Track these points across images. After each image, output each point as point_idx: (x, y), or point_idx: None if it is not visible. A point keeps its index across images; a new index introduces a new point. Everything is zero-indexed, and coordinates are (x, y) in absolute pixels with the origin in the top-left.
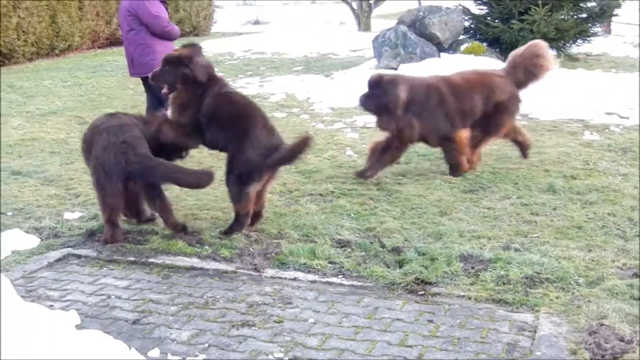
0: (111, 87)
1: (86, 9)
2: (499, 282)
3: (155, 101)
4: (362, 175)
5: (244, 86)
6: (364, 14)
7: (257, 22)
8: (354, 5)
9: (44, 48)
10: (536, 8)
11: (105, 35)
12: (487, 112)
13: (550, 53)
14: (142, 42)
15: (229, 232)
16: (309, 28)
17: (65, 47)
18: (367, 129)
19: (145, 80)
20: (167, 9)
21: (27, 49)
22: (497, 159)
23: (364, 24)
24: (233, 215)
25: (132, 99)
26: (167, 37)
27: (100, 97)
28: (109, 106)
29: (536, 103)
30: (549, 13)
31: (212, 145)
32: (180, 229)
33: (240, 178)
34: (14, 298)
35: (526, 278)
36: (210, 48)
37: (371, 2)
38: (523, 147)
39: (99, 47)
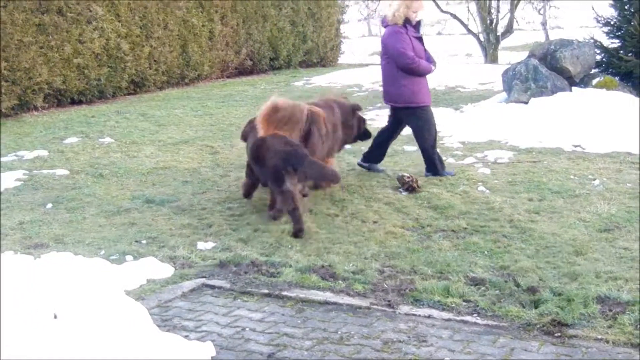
0: (241, 117)
1: (216, 39)
2: (638, 326)
3: (390, 131)
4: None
5: (374, 118)
6: (490, 46)
7: None
8: (481, 37)
9: (174, 77)
10: None
11: (234, 65)
12: None
13: None
14: (389, 72)
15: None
16: (435, 60)
17: (194, 77)
18: (499, 165)
19: (392, 108)
20: (422, 44)
21: (158, 78)
22: (632, 198)
23: (490, 56)
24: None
25: None
26: (412, 73)
27: (230, 127)
28: (239, 136)
29: None
30: None
31: None
32: None
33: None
34: (151, 327)
35: None
36: (338, 79)
37: (498, 34)
38: None
39: (228, 77)
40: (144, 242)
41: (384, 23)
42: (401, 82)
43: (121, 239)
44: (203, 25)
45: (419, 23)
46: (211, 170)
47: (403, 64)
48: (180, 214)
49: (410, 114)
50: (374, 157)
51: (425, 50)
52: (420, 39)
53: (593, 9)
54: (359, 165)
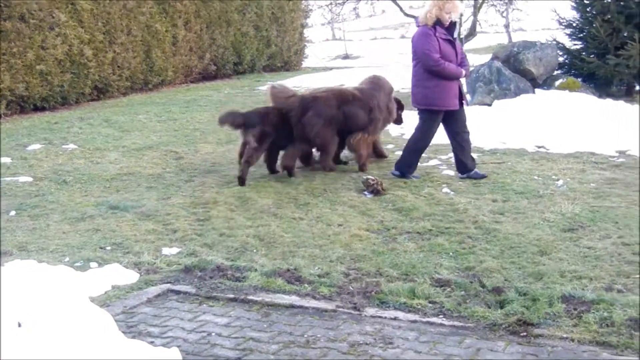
0: (205, 122)
1: (180, 45)
2: (603, 324)
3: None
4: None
5: None
6: None
7: (346, 57)
8: None
9: (138, 82)
10: (633, 43)
11: (197, 70)
12: None
13: None
14: (416, 74)
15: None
16: (399, 63)
17: (158, 82)
18: None
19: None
20: (454, 47)
21: (121, 84)
22: (596, 197)
23: None
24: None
25: (227, 134)
26: (438, 76)
27: (194, 132)
28: (203, 141)
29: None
30: None
31: None
32: None
33: None
34: (117, 333)
35: (630, 320)
36: (303, 83)
37: (462, 37)
38: None
39: (192, 82)
40: (108, 248)
41: (417, 23)
42: (427, 84)
43: (85, 245)
44: (167, 31)
45: (453, 25)
46: (175, 176)
47: (427, 66)
48: (145, 219)
49: (426, 117)
50: (468, 164)
51: (457, 53)
52: (451, 42)
53: (555, 11)
54: (470, 177)
